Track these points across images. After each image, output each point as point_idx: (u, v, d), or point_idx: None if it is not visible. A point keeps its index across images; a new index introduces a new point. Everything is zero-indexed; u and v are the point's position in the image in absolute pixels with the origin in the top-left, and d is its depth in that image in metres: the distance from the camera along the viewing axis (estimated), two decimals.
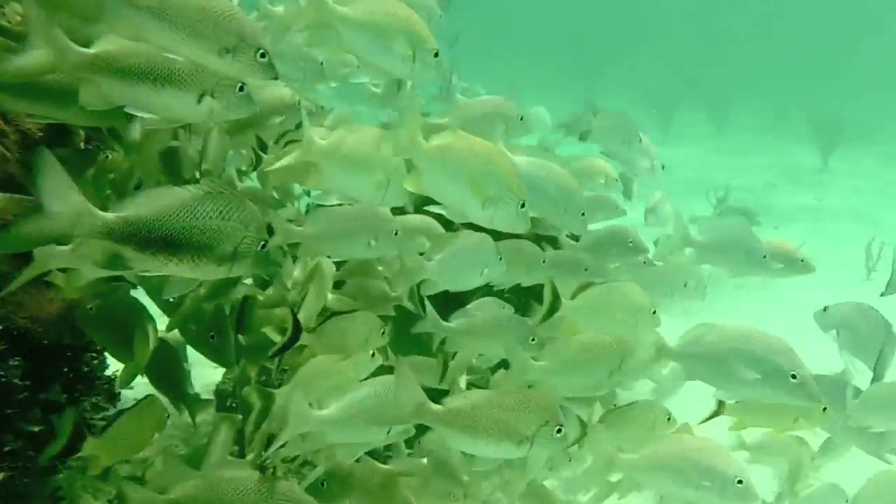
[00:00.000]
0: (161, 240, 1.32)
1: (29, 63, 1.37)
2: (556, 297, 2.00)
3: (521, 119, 2.53)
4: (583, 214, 1.99)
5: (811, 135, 12.42)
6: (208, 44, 1.42)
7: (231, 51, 1.44)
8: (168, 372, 1.86)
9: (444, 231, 2.31)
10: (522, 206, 1.67)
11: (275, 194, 2.16)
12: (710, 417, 2.10)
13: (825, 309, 2.41)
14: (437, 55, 1.76)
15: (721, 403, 2.10)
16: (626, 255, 2.63)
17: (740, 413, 2.17)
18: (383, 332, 1.94)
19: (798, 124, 13.41)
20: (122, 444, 1.72)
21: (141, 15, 1.40)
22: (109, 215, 1.31)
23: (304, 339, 1.85)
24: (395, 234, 1.91)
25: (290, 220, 1.86)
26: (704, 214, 8.17)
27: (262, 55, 1.46)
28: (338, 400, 1.66)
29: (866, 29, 20.03)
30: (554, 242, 2.60)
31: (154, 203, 1.33)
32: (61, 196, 1.27)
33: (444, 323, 2.08)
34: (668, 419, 2.14)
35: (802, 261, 2.54)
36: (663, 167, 3.16)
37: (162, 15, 1.40)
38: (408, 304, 2.17)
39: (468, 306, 2.14)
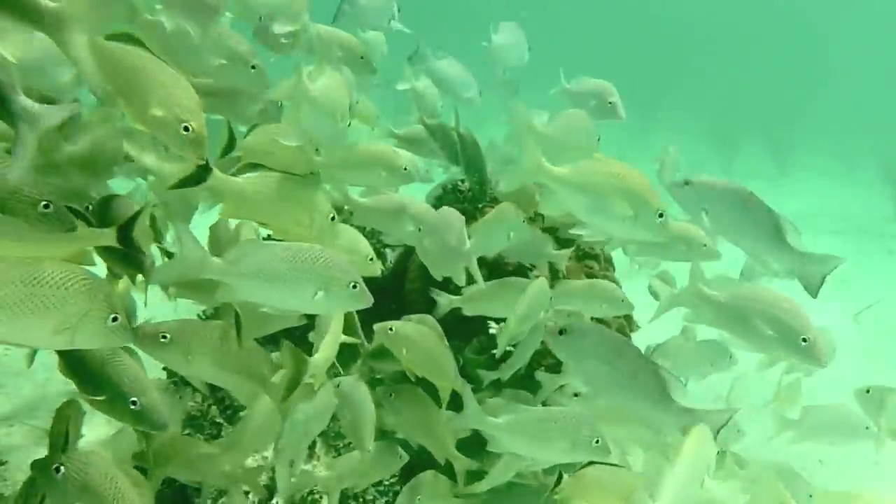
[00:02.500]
0: None
1: None
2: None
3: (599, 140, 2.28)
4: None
5: (883, 181, 11.71)
6: None
7: None
8: None
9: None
10: (661, 216, 1.79)
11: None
12: None
13: (686, 183, 2.09)
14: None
15: None
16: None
17: None
18: None
19: (869, 169, 12.72)
20: None
21: None
22: None
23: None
24: (354, 286, 1.50)
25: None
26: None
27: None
28: None
29: None
30: None
31: None
32: None
33: (490, 419, 1.79)
34: None
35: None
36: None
37: None
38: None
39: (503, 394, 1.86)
